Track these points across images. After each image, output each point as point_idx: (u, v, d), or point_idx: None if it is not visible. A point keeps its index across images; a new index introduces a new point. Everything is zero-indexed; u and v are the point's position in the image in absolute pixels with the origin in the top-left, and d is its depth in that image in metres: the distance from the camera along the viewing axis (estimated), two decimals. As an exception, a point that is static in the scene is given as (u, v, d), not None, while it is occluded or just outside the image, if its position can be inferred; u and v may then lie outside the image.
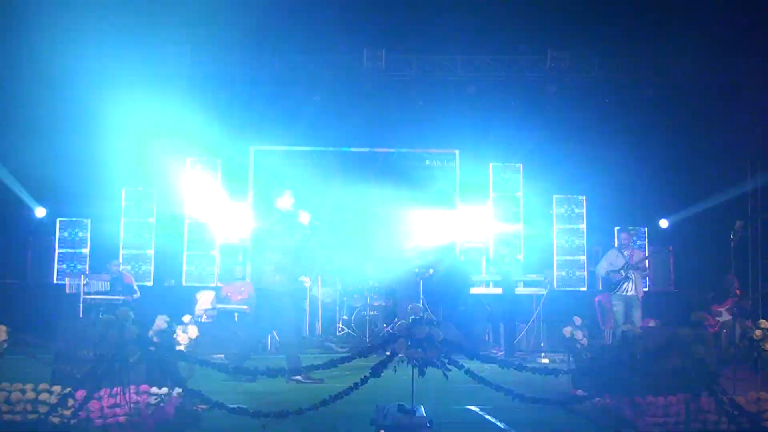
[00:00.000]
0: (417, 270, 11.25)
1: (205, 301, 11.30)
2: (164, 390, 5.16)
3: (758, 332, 5.98)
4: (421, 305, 10.95)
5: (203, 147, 13.40)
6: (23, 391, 5.02)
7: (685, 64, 12.90)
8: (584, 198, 13.51)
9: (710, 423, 4.90)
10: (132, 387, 4.82)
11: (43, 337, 6.02)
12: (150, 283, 12.93)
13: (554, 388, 5.68)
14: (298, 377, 7.09)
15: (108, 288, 10.52)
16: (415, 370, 4.20)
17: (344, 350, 10.79)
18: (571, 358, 6.00)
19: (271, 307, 7.54)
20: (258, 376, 4.59)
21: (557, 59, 12.71)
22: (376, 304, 11.78)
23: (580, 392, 5.37)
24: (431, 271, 11.43)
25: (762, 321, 6.07)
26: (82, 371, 4.72)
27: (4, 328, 5.22)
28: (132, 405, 4.74)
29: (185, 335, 5.42)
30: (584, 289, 13.26)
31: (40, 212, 12.93)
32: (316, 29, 12.67)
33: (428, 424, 4.17)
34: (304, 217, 7.59)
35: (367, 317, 11.51)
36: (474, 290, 10.60)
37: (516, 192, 13.58)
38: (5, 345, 5.24)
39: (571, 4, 11.95)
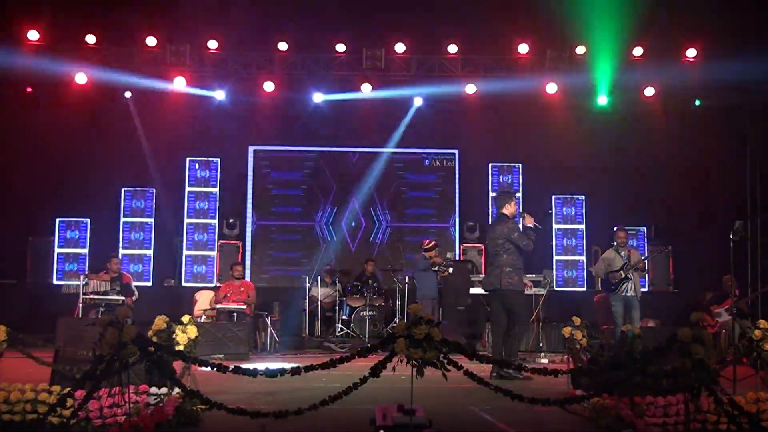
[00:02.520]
0: (436, 268, 11.24)
1: (204, 301, 11.29)
2: (164, 390, 5.16)
3: (758, 332, 5.98)
4: (435, 303, 11.11)
5: (203, 147, 13.40)
6: (23, 391, 5.02)
7: (686, 64, 12.91)
8: (584, 198, 13.52)
9: (710, 423, 4.90)
10: (131, 387, 4.81)
11: (43, 337, 6.02)
12: (149, 284, 12.93)
13: (554, 388, 5.68)
14: (510, 370, 7.31)
15: (107, 288, 10.50)
16: (415, 370, 4.19)
17: (344, 350, 10.80)
18: (570, 358, 6.00)
19: (509, 304, 7.92)
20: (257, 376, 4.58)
21: (556, 59, 12.72)
22: (375, 304, 11.79)
23: (579, 392, 5.36)
24: (450, 270, 11.42)
25: (761, 321, 6.07)
26: (81, 371, 4.72)
27: (3, 328, 5.21)
28: (131, 405, 4.74)
29: (185, 335, 5.41)
30: (584, 289, 13.27)
31: None
32: (316, 29, 12.67)
33: (428, 424, 4.16)
34: (529, 220, 8.03)
35: (367, 317, 11.50)
36: (474, 290, 10.59)
37: (516, 192, 13.58)
38: (5, 345, 5.23)
39: (572, 4, 11.95)
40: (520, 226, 8.06)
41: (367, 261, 12.76)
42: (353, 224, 13.95)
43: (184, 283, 13.07)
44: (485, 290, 8.34)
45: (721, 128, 13.09)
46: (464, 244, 13.58)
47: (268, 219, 13.89)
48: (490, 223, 8.50)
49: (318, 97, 13.29)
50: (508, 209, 8.09)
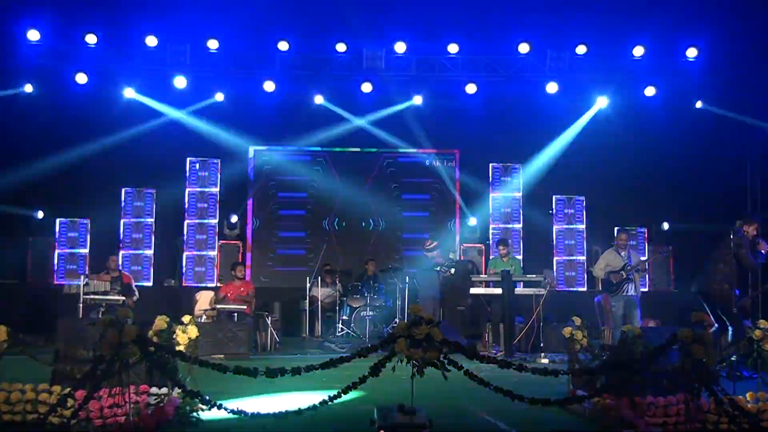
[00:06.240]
0: (438, 269, 11.22)
1: (204, 301, 11.29)
2: (164, 390, 5.16)
3: (758, 332, 5.98)
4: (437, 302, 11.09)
5: (203, 147, 13.39)
6: (23, 391, 5.02)
7: (686, 63, 12.91)
8: (584, 198, 13.51)
9: (710, 423, 4.90)
10: (132, 387, 4.82)
11: (43, 337, 6.02)
12: (149, 284, 12.92)
13: (554, 389, 5.68)
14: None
15: (108, 288, 10.49)
16: (415, 370, 4.20)
17: (344, 350, 10.79)
18: (570, 359, 5.99)
19: (710, 307, 8.77)
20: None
21: (557, 59, 12.71)
22: (375, 304, 11.78)
23: (579, 392, 5.37)
24: (453, 270, 11.39)
25: (762, 321, 6.07)
26: (82, 371, 4.72)
27: (4, 328, 5.21)
28: (132, 405, 4.74)
29: (185, 335, 5.41)
30: (584, 289, 13.26)
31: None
32: (315, 29, 12.67)
33: (428, 424, 4.17)
34: (762, 246, 8.77)
35: (367, 317, 11.50)
36: (474, 290, 10.59)
37: (516, 192, 13.57)
38: (5, 345, 5.23)
39: (571, 4, 11.97)
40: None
41: (368, 261, 12.74)
42: (353, 224, 13.95)
43: (184, 283, 13.06)
44: (695, 290, 8.96)
45: (721, 128, 13.08)
46: (464, 244, 13.56)
47: (268, 219, 13.90)
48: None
49: (318, 99, 13.30)
50: (746, 229, 8.83)
